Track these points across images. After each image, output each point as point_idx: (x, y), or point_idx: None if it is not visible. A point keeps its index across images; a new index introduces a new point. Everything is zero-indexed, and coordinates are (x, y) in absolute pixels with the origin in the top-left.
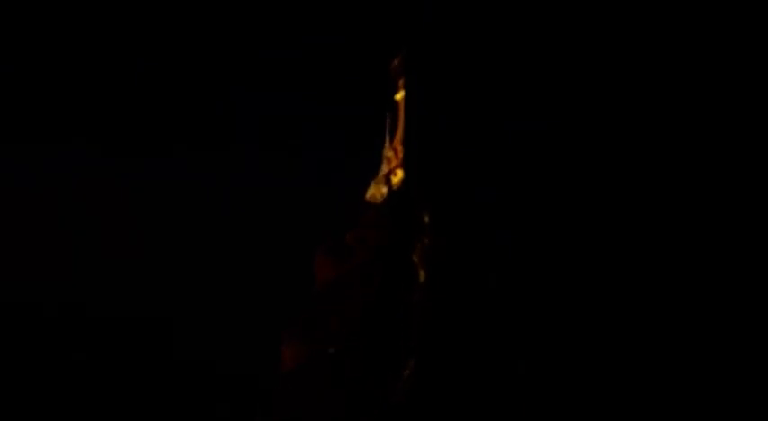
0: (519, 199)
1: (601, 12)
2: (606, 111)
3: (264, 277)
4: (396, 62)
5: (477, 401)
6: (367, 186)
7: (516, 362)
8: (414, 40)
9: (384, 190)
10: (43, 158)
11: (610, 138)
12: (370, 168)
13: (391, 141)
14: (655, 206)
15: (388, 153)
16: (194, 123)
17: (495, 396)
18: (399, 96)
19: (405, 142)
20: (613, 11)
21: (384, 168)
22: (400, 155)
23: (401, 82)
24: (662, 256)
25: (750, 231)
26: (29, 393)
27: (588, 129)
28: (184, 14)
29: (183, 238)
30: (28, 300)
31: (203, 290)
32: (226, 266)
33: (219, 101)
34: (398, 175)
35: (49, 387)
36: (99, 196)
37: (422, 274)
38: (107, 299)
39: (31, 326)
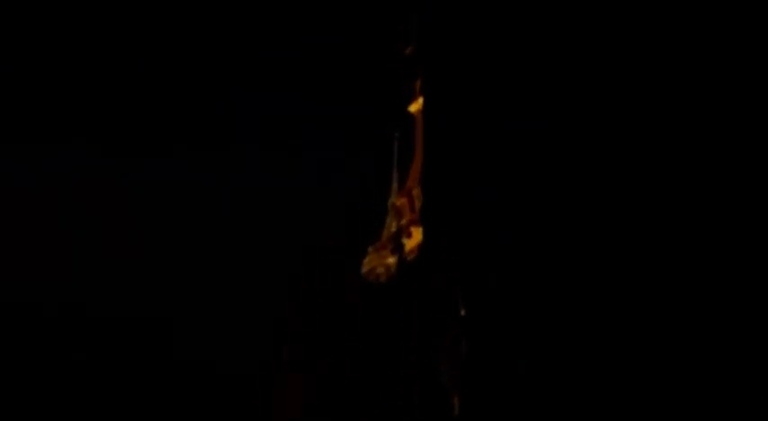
0: (519, 199)
1: (601, 12)
2: (606, 111)
3: (264, 277)
4: (408, 51)
5: (478, 401)
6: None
7: (517, 363)
8: (426, 14)
9: (391, 260)
10: (43, 158)
11: (610, 138)
12: (371, 168)
13: (402, 184)
14: (655, 206)
15: (398, 201)
16: (194, 123)
17: (495, 396)
18: (416, 108)
19: (425, 183)
20: (613, 11)
21: (391, 225)
22: (419, 204)
23: (418, 84)
24: (663, 256)
25: (750, 231)
26: (29, 393)
27: (588, 129)
28: (184, 14)
29: (182, 238)
30: (28, 300)
31: (203, 290)
32: (226, 267)
33: (219, 101)
34: (415, 237)
35: (49, 387)
36: (99, 196)
37: (456, 407)
38: (107, 299)
39: (31, 326)
